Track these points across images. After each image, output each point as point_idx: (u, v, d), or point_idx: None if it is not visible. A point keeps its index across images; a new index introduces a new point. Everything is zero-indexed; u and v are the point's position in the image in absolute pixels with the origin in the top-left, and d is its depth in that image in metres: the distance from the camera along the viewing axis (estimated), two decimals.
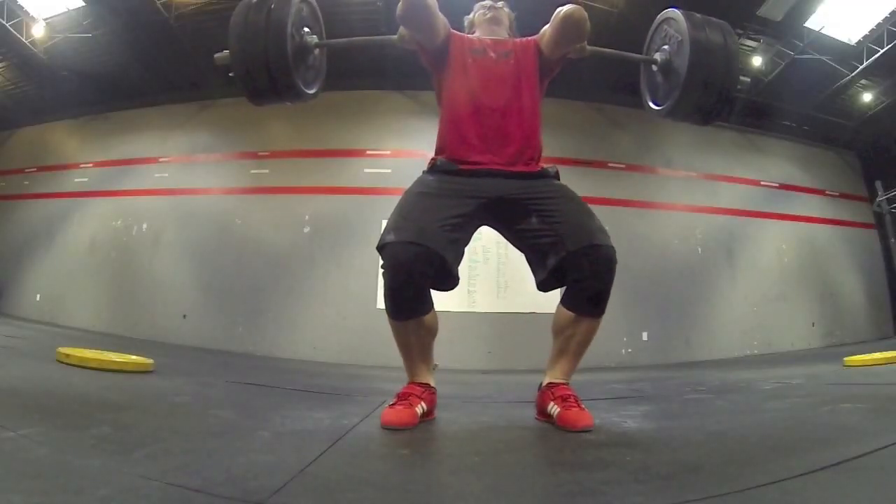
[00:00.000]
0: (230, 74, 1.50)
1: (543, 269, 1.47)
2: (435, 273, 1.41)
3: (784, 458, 0.92)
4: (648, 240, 7.47)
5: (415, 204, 1.46)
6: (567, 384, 1.46)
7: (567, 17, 1.49)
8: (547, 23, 1.57)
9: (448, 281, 1.49)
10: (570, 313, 1.48)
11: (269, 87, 1.54)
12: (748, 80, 1.47)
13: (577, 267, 1.40)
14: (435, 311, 1.52)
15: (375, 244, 1.49)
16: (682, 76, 1.49)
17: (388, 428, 1.28)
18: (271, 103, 1.62)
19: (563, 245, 1.39)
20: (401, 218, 1.45)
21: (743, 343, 7.36)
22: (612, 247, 1.42)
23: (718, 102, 1.53)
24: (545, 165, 1.55)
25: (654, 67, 1.65)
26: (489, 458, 1.08)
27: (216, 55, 1.56)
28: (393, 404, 1.38)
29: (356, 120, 7.64)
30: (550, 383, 1.46)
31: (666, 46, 1.61)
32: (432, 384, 1.52)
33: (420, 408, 1.39)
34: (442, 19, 1.54)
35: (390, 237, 1.41)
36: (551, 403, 1.40)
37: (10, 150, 9.38)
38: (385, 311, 1.50)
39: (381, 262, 1.44)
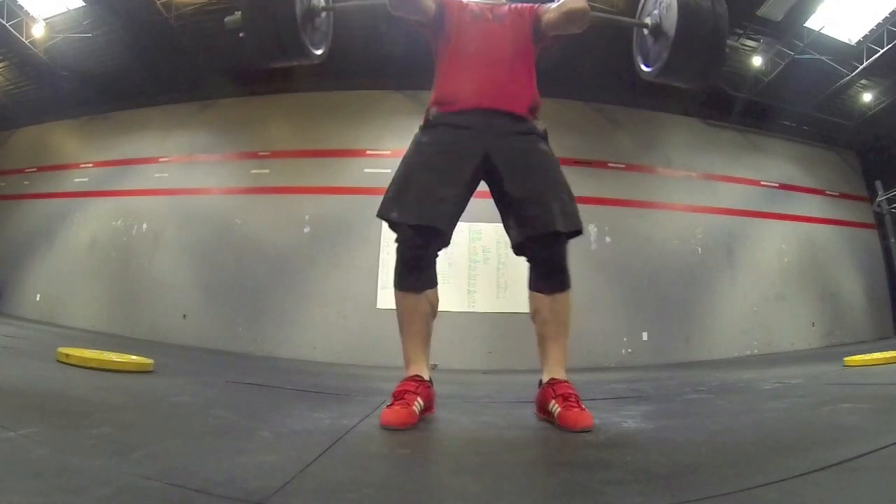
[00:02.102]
0: (241, 35, 1.59)
1: (511, 237, 1.55)
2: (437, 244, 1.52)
3: (784, 458, 0.92)
4: (648, 240, 7.48)
5: (415, 176, 1.51)
6: (568, 382, 1.46)
7: (573, 12, 1.58)
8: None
9: (443, 244, 1.55)
10: (538, 294, 1.54)
11: (278, 46, 1.61)
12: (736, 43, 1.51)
13: (533, 250, 1.50)
14: (437, 288, 1.58)
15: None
16: (671, 38, 1.55)
17: (388, 428, 1.28)
18: (280, 63, 1.71)
19: (526, 225, 1.48)
20: (403, 190, 1.50)
21: (743, 343, 7.36)
22: (576, 230, 1.49)
23: (706, 63, 1.60)
24: (536, 122, 1.58)
25: (646, 31, 1.71)
26: (489, 458, 1.08)
27: (227, 18, 1.64)
28: (390, 405, 1.38)
29: (356, 120, 7.65)
30: (552, 380, 1.46)
31: (656, 11, 1.67)
32: (426, 377, 1.50)
33: (417, 405, 1.38)
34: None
35: (394, 214, 1.48)
36: (552, 402, 1.39)
37: (10, 150, 9.39)
38: (394, 289, 1.54)
39: (393, 235, 1.52)
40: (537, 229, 1.46)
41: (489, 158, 1.50)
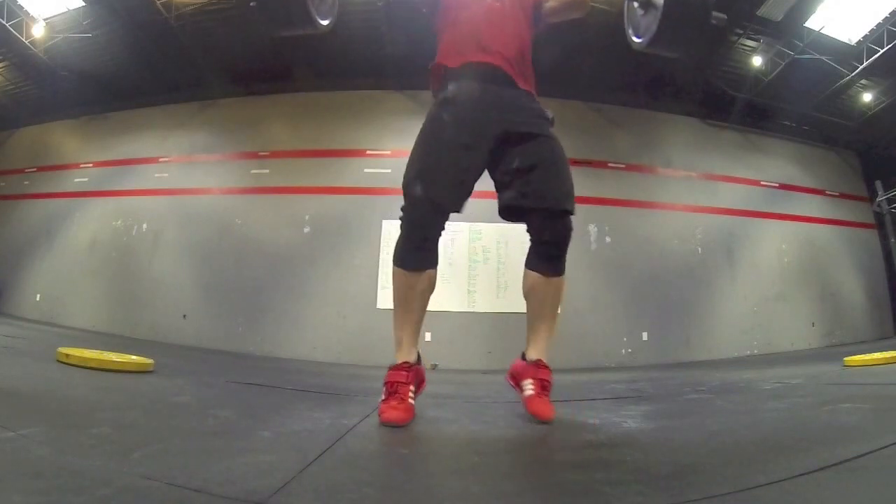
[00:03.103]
0: (251, 4, 1.64)
1: (508, 198, 1.53)
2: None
3: (784, 458, 0.92)
4: (648, 240, 7.48)
5: (434, 155, 1.50)
6: (550, 369, 1.55)
7: (578, 4, 1.69)
8: None
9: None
10: (536, 274, 1.56)
11: (286, 16, 1.68)
12: (724, 16, 1.57)
13: (541, 227, 1.51)
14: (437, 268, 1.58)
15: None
16: (660, 9, 1.61)
17: (389, 425, 1.31)
18: (288, 32, 1.76)
19: (535, 197, 1.48)
20: (424, 168, 1.48)
21: (743, 343, 7.37)
22: (572, 212, 1.52)
23: (694, 33, 1.66)
24: (546, 109, 1.60)
25: (636, 4, 1.77)
26: (489, 458, 1.08)
27: None
28: (385, 399, 1.42)
29: (356, 120, 7.65)
30: (540, 361, 1.54)
31: None
32: (413, 359, 1.51)
33: (411, 396, 1.44)
34: None
35: (418, 189, 1.46)
36: (529, 381, 1.50)
37: (10, 150, 9.39)
38: (395, 266, 1.52)
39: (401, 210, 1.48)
40: (547, 202, 1.47)
41: (505, 136, 1.51)
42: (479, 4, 1.63)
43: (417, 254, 1.51)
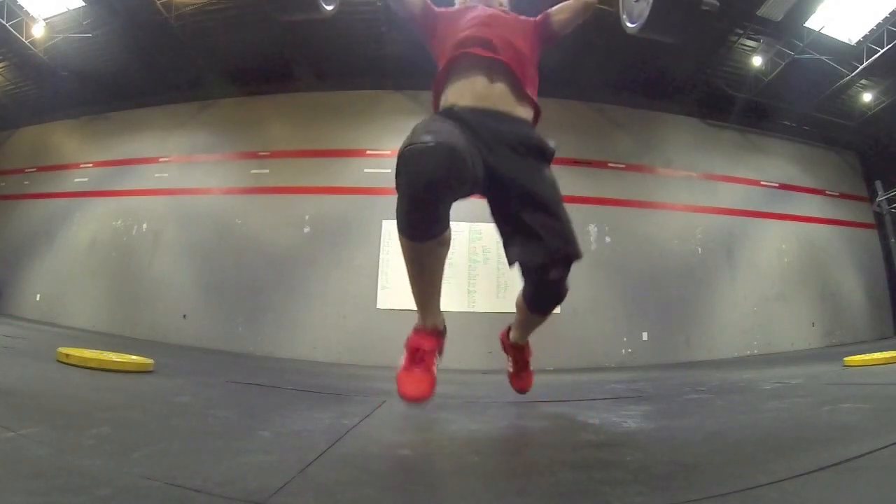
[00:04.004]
0: None
1: (512, 249, 1.40)
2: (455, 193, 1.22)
3: (784, 458, 0.92)
4: (648, 240, 7.48)
5: (439, 121, 1.29)
6: (526, 347, 1.84)
7: (589, 6, 1.70)
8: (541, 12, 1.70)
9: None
10: (531, 311, 1.60)
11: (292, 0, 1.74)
12: (716, 2, 1.60)
13: (544, 272, 1.38)
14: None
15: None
16: None
17: (410, 401, 1.17)
18: (293, 16, 1.83)
19: (539, 246, 1.34)
20: (424, 129, 1.19)
21: (743, 343, 7.36)
22: (578, 254, 1.38)
23: (685, 17, 1.71)
24: (549, 140, 1.49)
25: None
26: (489, 458, 1.08)
27: None
28: (407, 367, 1.23)
29: (356, 120, 7.65)
30: (527, 345, 1.83)
31: None
32: (441, 325, 1.35)
33: (436, 367, 1.27)
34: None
35: (428, 137, 1.15)
36: (510, 360, 1.86)
37: (10, 150, 9.38)
38: (400, 235, 1.25)
39: (397, 173, 1.16)
40: (552, 252, 1.33)
41: (496, 172, 1.35)
42: (478, 15, 1.60)
43: (428, 215, 1.19)
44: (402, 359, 1.28)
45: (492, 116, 1.40)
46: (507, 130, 1.41)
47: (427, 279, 1.32)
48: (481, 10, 1.63)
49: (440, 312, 1.37)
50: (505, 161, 1.37)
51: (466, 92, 1.46)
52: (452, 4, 1.82)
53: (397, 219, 1.24)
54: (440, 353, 1.35)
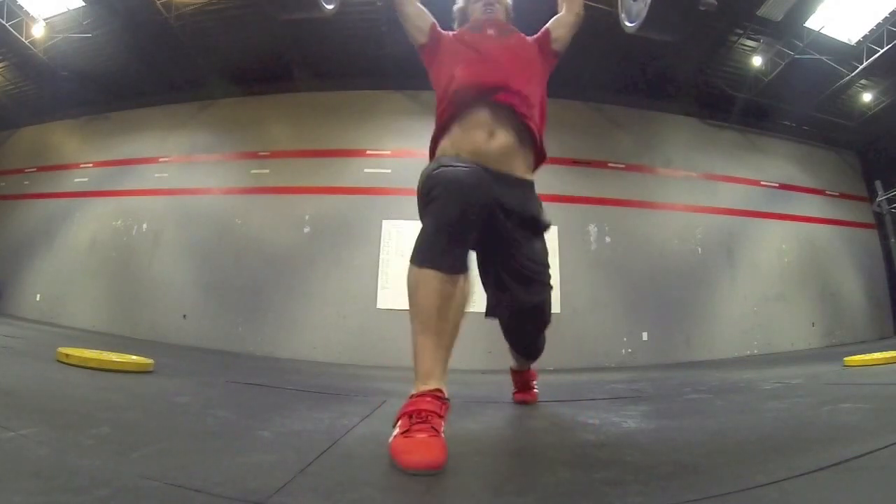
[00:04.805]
0: None
1: (493, 303, 1.56)
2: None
3: (784, 458, 0.92)
4: (648, 240, 7.48)
5: (454, 159, 1.32)
6: (529, 371, 1.98)
7: (580, 17, 1.74)
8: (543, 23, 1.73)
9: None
10: (521, 358, 1.83)
11: None
12: (714, 2, 1.63)
13: (519, 327, 1.61)
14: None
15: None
16: None
17: (416, 469, 0.88)
18: (295, 14, 1.86)
19: (512, 309, 1.50)
20: (445, 160, 1.26)
21: (743, 343, 7.36)
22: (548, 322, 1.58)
23: (681, 16, 1.76)
24: (544, 215, 1.51)
25: None
26: (489, 458, 1.08)
27: None
28: (407, 431, 0.98)
29: (356, 120, 7.65)
30: (526, 370, 1.96)
31: None
32: (446, 390, 1.12)
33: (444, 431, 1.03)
34: (418, 13, 1.67)
35: (445, 163, 1.19)
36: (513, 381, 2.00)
37: (10, 150, 9.38)
38: (422, 270, 1.13)
39: (427, 196, 1.18)
40: (525, 318, 1.52)
41: (496, 230, 1.36)
42: (479, 43, 1.57)
43: (454, 246, 1.10)
44: (394, 431, 1.02)
45: (491, 174, 1.33)
46: (505, 193, 1.36)
47: (443, 328, 1.13)
48: (481, 38, 1.59)
49: (446, 376, 1.14)
50: (498, 223, 1.36)
51: (466, 144, 1.41)
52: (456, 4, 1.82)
53: (420, 248, 1.13)
54: (445, 419, 1.07)
